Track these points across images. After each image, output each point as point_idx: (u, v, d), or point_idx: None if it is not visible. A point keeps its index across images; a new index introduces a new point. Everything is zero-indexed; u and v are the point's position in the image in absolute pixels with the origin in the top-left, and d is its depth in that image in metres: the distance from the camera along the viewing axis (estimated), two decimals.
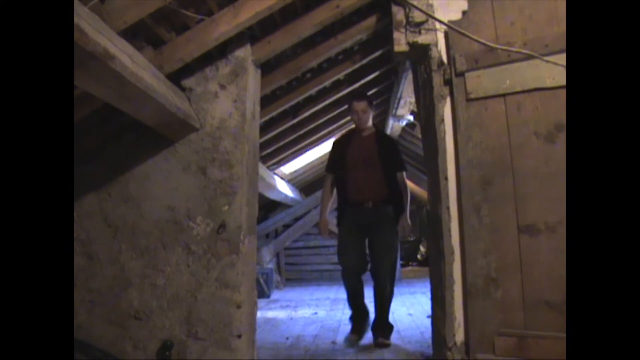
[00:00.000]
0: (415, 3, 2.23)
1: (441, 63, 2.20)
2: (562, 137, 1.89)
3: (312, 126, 4.63)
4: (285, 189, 6.52)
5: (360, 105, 2.95)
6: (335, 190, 3.13)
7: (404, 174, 3.04)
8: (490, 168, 2.02)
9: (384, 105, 6.28)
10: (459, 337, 2.01)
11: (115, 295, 2.17)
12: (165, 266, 2.16)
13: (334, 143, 3.27)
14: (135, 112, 1.94)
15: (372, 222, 2.86)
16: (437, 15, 2.21)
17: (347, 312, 3.35)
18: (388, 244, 2.89)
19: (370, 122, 3.03)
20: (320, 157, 7.55)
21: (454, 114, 2.13)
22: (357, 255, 2.92)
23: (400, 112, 5.82)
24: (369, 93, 4.87)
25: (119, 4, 1.74)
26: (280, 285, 6.96)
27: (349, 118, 5.60)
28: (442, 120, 2.16)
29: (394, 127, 7.08)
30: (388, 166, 2.90)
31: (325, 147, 7.34)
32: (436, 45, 2.23)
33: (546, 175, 1.91)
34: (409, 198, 2.98)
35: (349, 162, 2.93)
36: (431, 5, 2.24)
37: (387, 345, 2.84)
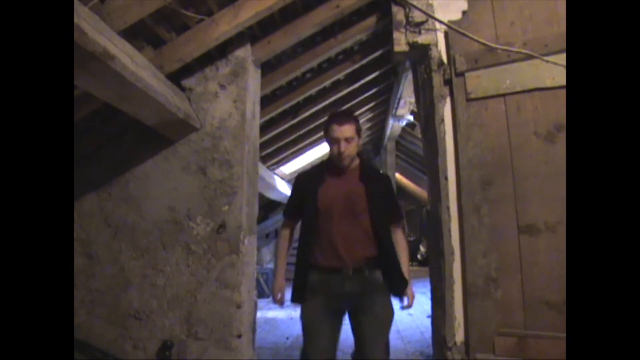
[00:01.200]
0: (415, 3, 2.23)
1: (441, 63, 2.20)
2: (562, 137, 1.90)
3: (312, 126, 4.64)
4: (285, 189, 6.53)
5: (344, 130, 1.88)
6: (293, 245, 2.08)
7: (402, 227, 2.05)
8: (490, 168, 2.02)
9: (384, 105, 6.29)
10: (459, 337, 2.01)
11: (115, 295, 2.17)
12: (165, 266, 2.16)
13: (298, 179, 2.10)
14: (135, 112, 1.94)
15: (355, 295, 1.85)
16: (437, 15, 2.21)
17: None
18: (381, 326, 1.87)
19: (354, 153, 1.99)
20: (321, 157, 7.55)
21: (454, 114, 2.13)
22: (331, 349, 1.90)
23: (400, 112, 5.83)
24: (369, 93, 4.90)
25: (119, 4, 1.75)
26: None
27: None
28: (442, 120, 2.16)
29: (393, 127, 7.09)
30: (380, 215, 1.91)
31: (325, 147, 7.36)
32: (436, 45, 2.23)
33: (546, 175, 1.91)
34: (408, 260, 1.99)
35: (322, 209, 1.89)
36: (431, 5, 2.25)
37: None
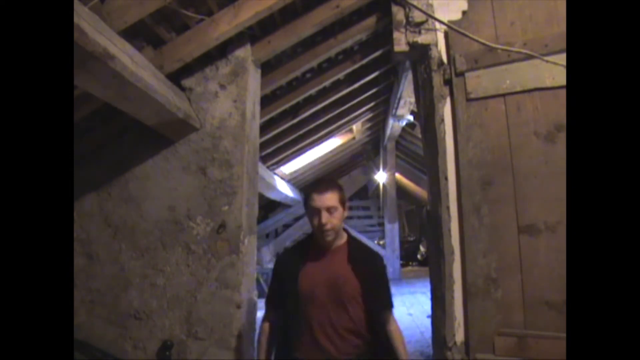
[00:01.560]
0: (415, 3, 2.23)
1: (441, 63, 2.20)
2: (562, 137, 1.89)
3: (312, 126, 4.65)
4: (285, 189, 6.53)
5: (325, 199, 1.67)
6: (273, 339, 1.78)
7: (393, 315, 1.78)
8: (490, 168, 2.02)
9: (384, 105, 6.29)
10: (459, 337, 2.01)
11: (115, 295, 2.17)
12: (165, 266, 2.16)
13: (278, 261, 1.90)
14: (135, 112, 1.94)
15: None
16: (437, 15, 2.21)
17: None
18: None
19: (341, 226, 1.74)
20: (321, 157, 7.57)
21: (454, 114, 2.13)
22: None
23: (400, 112, 5.85)
24: (369, 93, 4.90)
25: (119, 4, 1.75)
26: None
27: (350, 117, 5.65)
28: (442, 120, 2.16)
29: (393, 127, 7.10)
30: (371, 303, 1.68)
31: (325, 147, 7.38)
32: (436, 45, 2.23)
33: (546, 175, 1.91)
34: (406, 349, 1.74)
35: (303, 295, 1.67)
36: (431, 5, 2.25)
37: None
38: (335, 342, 1.63)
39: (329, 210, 1.66)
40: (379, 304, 1.73)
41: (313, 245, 1.76)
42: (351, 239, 1.80)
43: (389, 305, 1.78)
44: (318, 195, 1.68)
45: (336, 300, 1.66)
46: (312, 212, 1.69)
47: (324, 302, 1.65)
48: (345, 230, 1.79)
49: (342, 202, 1.73)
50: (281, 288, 1.75)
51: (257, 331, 1.73)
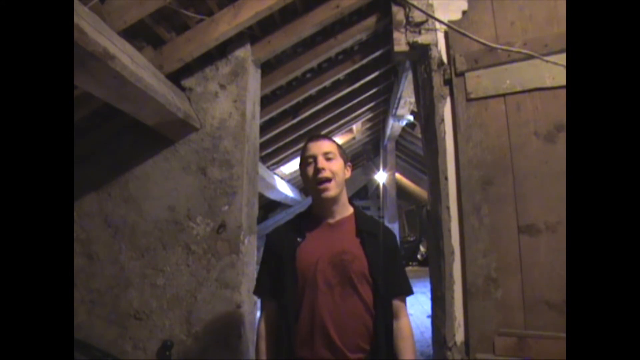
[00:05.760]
0: (415, 3, 2.23)
1: (441, 63, 2.20)
2: (562, 137, 1.90)
3: (312, 126, 4.65)
4: (285, 189, 6.53)
5: (321, 144, 1.43)
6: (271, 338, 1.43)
7: (406, 307, 1.47)
8: (490, 168, 2.02)
9: (384, 105, 6.29)
10: (459, 337, 2.01)
11: (115, 295, 2.17)
12: (165, 266, 2.16)
13: (270, 239, 1.50)
14: (135, 112, 1.94)
15: None
16: (437, 15, 2.21)
17: None
18: None
19: (344, 192, 1.47)
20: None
21: (454, 113, 2.13)
22: None
23: (400, 112, 5.85)
24: (369, 93, 4.90)
25: (119, 4, 1.75)
26: None
27: (350, 117, 5.64)
28: (442, 120, 2.16)
29: (393, 127, 7.10)
30: (383, 285, 1.37)
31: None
32: (436, 45, 2.23)
33: (546, 175, 1.91)
34: (414, 351, 1.41)
35: (303, 275, 1.37)
36: (431, 5, 2.25)
37: None
38: (342, 334, 1.31)
39: (326, 155, 1.41)
40: (393, 287, 1.41)
41: (313, 217, 1.46)
42: (359, 211, 1.50)
43: (405, 291, 1.45)
44: (313, 143, 1.44)
45: (343, 281, 1.34)
46: (307, 164, 1.42)
47: (328, 284, 1.34)
48: (351, 202, 1.51)
49: (343, 156, 1.46)
50: (278, 272, 1.40)
51: (255, 335, 1.45)
